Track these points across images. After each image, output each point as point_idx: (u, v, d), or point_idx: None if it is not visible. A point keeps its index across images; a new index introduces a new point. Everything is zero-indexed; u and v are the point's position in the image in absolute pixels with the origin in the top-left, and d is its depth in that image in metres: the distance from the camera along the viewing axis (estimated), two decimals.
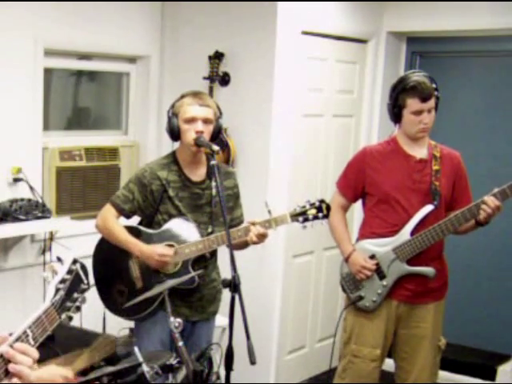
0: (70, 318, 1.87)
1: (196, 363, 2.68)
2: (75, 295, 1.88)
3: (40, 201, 4.01)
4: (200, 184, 3.22)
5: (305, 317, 4.91)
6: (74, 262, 1.92)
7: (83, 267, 1.94)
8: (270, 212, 3.12)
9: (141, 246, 3.15)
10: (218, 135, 3.22)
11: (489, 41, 4.87)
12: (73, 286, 1.88)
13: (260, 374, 4.44)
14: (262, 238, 3.12)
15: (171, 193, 3.17)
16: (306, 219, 3.16)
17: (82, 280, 1.92)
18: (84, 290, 1.92)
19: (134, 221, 3.33)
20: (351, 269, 3.40)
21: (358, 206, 3.68)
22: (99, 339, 3.22)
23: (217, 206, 3.21)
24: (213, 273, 3.33)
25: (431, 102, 3.25)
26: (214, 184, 3.20)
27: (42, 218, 3.93)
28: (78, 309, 1.89)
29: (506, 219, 4.27)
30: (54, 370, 2.55)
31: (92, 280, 3.26)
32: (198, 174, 3.23)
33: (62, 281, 1.85)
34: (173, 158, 3.23)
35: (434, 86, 3.28)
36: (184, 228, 3.17)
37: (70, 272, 1.88)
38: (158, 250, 3.12)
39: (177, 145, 3.28)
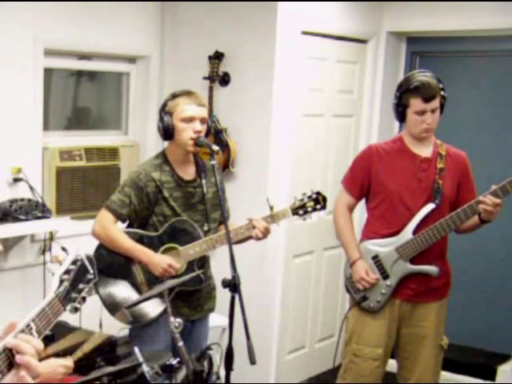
0: (76, 309, 1.83)
1: (196, 363, 2.67)
2: (81, 286, 1.83)
3: (40, 201, 4.01)
4: (192, 183, 3.23)
5: (305, 317, 4.91)
6: (80, 252, 1.89)
7: (89, 258, 1.90)
8: (271, 208, 3.15)
9: (149, 253, 3.13)
10: (208, 135, 3.23)
11: (489, 41, 4.87)
12: (78, 277, 1.82)
13: (260, 374, 4.44)
14: (266, 232, 3.15)
15: (166, 193, 3.16)
16: (306, 212, 3.20)
17: (88, 270, 1.86)
18: (90, 281, 1.87)
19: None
20: (353, 276, 3.40)
21: (359, 206, 3.68)
22: (94, 335, 3.20)
23: (208, 204, 3.22)
24: (208, 270, 3.34)
25: (435, 103, 3.24)
26: (204, 182, 3.22)
27: (42, 217, 3.93)
28: (84, 299, 1.85)
29: (506, 220, 4.28)
30: (53, 362, 2.55)
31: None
32: (189, 172, 3.24)
33: (67, 271, 1.81)
34: (163, 158, 3.22)
35: (440, 86, 3.28)
36: (184, 230, 3.17)
37: (74, 262, 1.85)
38: (167, 260, 3.11)
39: (166, 144, 3.26)
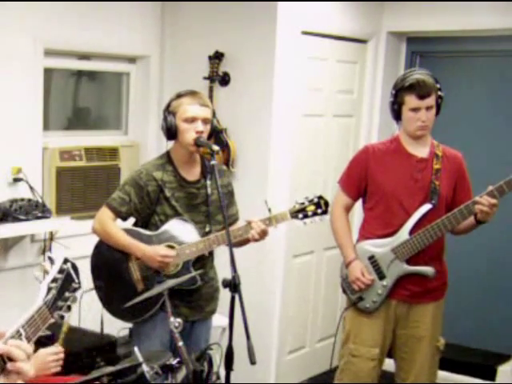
0: (62, 317, 1.88)
1: (196, 363, 2.67)
2: (67, 294, 1.89)
3: (40, 201, 4.01)
4: (195, 183, 3.23)
5: (305, 317, 4.91)
6: (65, 261, 1.92)
7: (74, 266, 1.95)
8: (270, 210, 3.14)
9: (143, 247, 3.15)
10: (212, 135, 3.23)
11: (489, 41, 4.87)
12: (64, 286, 1.89)
13: (260, 374, 4.44)
14: (263, 234, 3.14)
15: (167, 193, 3.17)
16: (306, 216, 3.18)
17: (74, 279, 1.93)
18: (75, 289, 1.93)
19: (129, 222, 3.31)
20: (349, 276, 3.40)
21: (357, 206, 3.68)
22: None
23: (213, 205, 3.22)
24: (211, 271, 3.34)
25: (429, 100, 3.25)
26: (208, 183, 3.22)
27: (42, 217, 3.93)
28: (69, 308, 1.90)
29: (505, 220, 4.28)
30: (42, 352, 2.56)
31: (91, 283, 3.25)
32: (193, 173, 3.24)
33: (54, 280, 1.86)
34: (167, 158, 3.23)
35: (437, 85, 3.28)
36: (183, 228, 3.18)
37: (61, 271, 1.89)
38: (160, 252, 3.11)
39: (171, 144, 3.27)
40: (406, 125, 3.31)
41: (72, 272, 1.92)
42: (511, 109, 4.89)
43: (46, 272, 1.89)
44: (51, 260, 1.92)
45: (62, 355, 2.65)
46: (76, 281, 1.93)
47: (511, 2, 4.41)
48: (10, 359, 1.55)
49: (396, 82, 3.35)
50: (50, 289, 1.83)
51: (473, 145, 4.72)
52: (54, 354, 2.62)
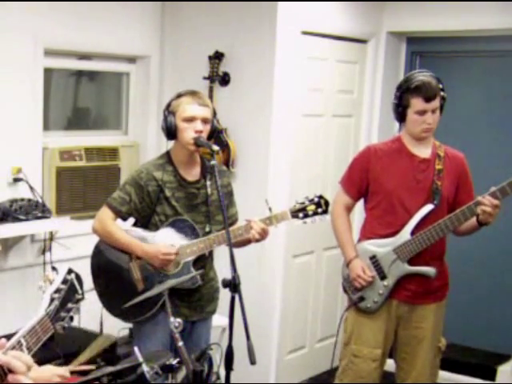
0: (64, 328, 1.87)
1: (196, 363, 2.67)
2: (69, 305, 1.88)
3: (40, 201, 4.01)
4: (195, 184, 3.23)
5: (305, 317, 4.91)
6: (69, 271, 1.91)
7: (78, 277, 1.93)
8: (270, 209, 3.15)
9: (143, 246, 3.15)
10: (213, 135, 3.23)
11: (489, 41, 4.87)
12: (67, 296, 1.87)
13: (260, 374, 4.44)
14: (264, 234, 3.13)
15: (167, 193, 3.17)
16: (306, 215, 3.19)
17: (77, 290, 1.92)
18: (78, 301, 1.92)
19: (129, 222, 3.31)
20: (350, 274, 3.40)
21: (358, 206, 3.68)
22: (98, 338, 3.21)
23: (213, 205, 3.22)
24: (210, 272, 3.34)
25: (435, 103, 3.24)
26: (208, 183, 3.22)
27: (42, 217, 3.93)
28: (72, 319, 1.89)
29: (506, 220, 4.28)
30: (50, 369, 2.55)
31: (91, 283, 3.25)
32: (193, 173, 3.24)
33: (57, 291, 1.85)
34: (167, 158, 3.23)
35: (440, 86, 3.28)
36: (175, 237, 3.17)
37: (64, 282, 1.88)
38: (162, 249, 3.12)
39: (171, 144, 3.28)
40: (411, 127, 3.30)
41: (76, 283, 1.91)
42: (511, 109, 4.89)
43: (49, 282, 1.88)
44: (55, 270, 1.92)
45: (66, 381, 2.64)
46: (79, 292, 1.92)
47: (511, 2, 4.41)
48: (11, 370, 1.54)
49: (400, 84, 3.34)
50: (52, 299, 1.82)
51: (473, 145, 4.72)
52: (60, 377, 2.60)
